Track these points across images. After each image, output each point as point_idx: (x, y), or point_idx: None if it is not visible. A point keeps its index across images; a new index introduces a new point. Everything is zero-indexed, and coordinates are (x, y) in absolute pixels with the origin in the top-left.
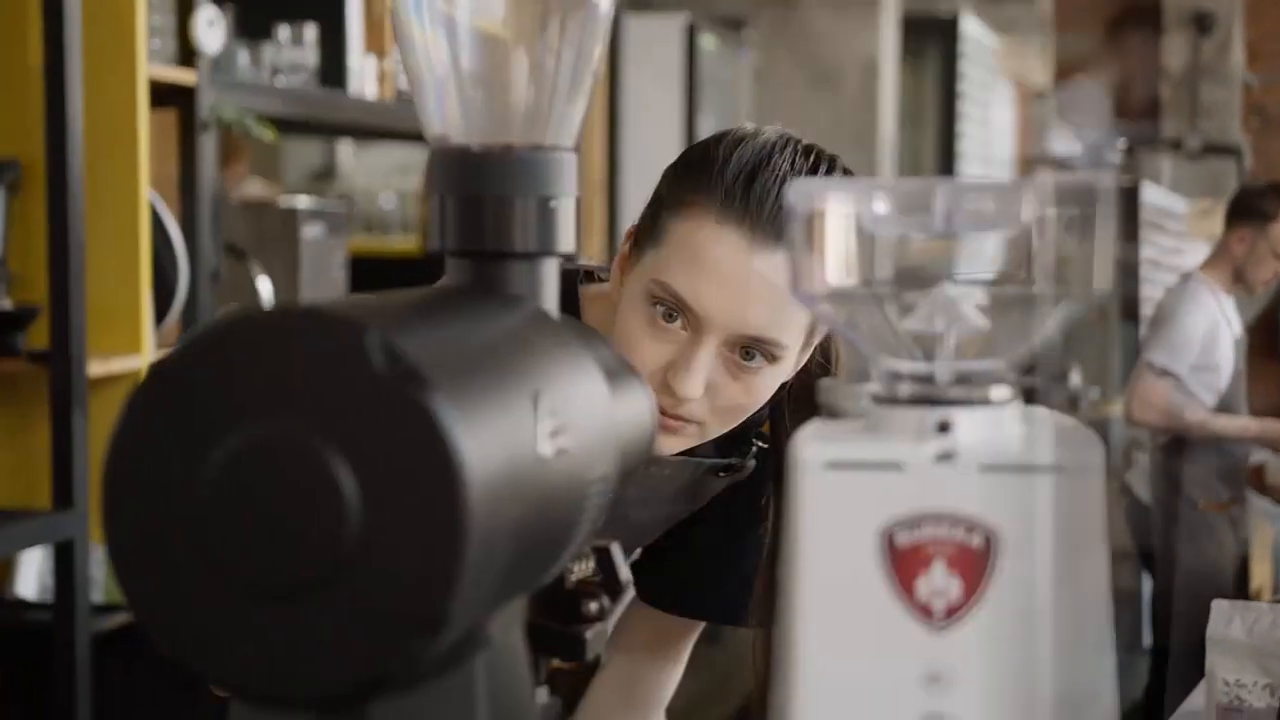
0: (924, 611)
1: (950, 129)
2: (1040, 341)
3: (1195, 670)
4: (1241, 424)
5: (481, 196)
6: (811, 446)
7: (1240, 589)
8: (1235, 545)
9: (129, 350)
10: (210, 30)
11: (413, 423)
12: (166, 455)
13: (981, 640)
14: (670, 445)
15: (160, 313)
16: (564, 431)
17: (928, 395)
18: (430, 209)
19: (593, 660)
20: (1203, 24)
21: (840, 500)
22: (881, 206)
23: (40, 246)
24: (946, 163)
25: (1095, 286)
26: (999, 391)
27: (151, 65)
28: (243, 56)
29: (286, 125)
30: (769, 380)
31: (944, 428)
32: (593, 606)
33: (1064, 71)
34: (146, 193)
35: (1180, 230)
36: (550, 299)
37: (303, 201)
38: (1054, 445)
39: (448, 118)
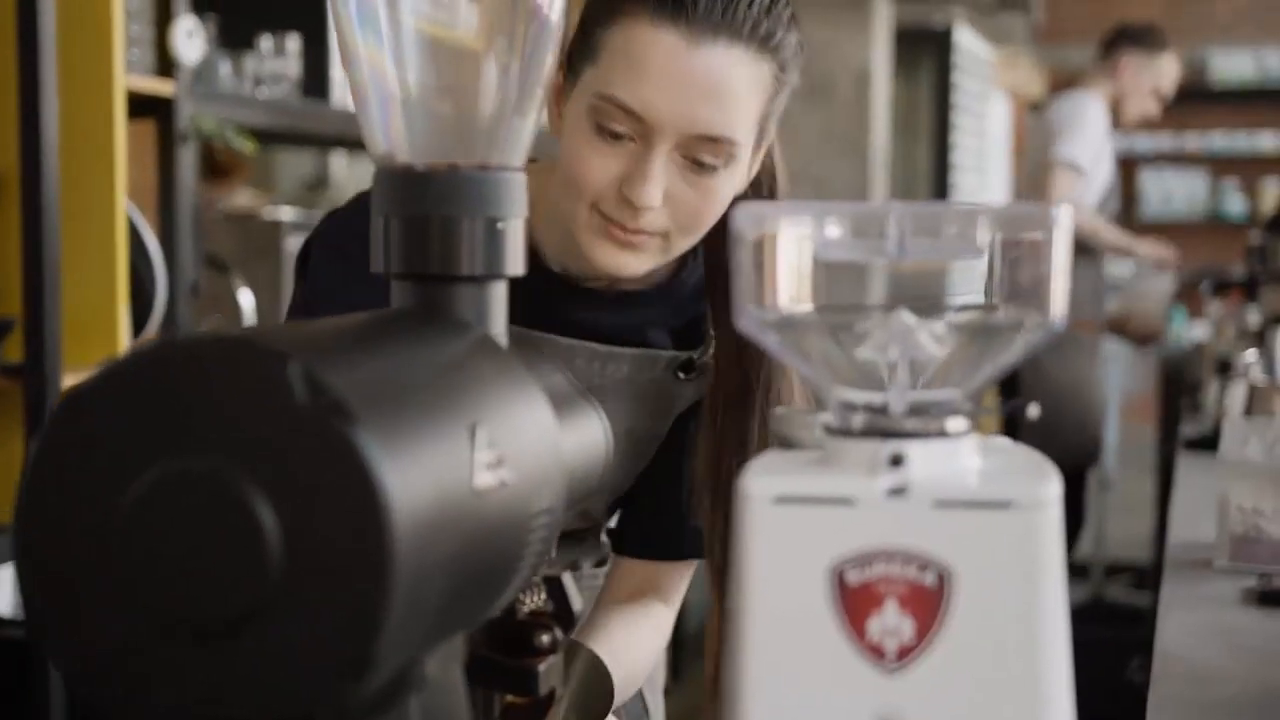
0: (875, 652)
1: (944, 140)
2: (998, 371)
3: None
4: (1127, 239)
5: (427, 217)
6: (760, 480)
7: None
8: (1098, 370)
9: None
10: (189, 41)
11: (335, 457)
12: (82, 487)
13: (935, 682)
14: (634, 263)
15: (138, 326)
16: (504, 463)
17: (881, 427)
18: (374, 230)
19: (547, 694)
20: None
21: (789, 536)
22: (834, 231)
23: (15, 258)
24: (940, 174)
25: (1052, 314)
26: (955, 423)
27: (130, 76)
28: (224, 67)
29: (269, 136)
30: (725, 183)
31: (897, 461)
32: (545, 639)
33: (1058, 83)
34: (124, 204)
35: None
36: (498, 323)
37: (287, 213)
38: (1010, 479)
39: (392, 136)
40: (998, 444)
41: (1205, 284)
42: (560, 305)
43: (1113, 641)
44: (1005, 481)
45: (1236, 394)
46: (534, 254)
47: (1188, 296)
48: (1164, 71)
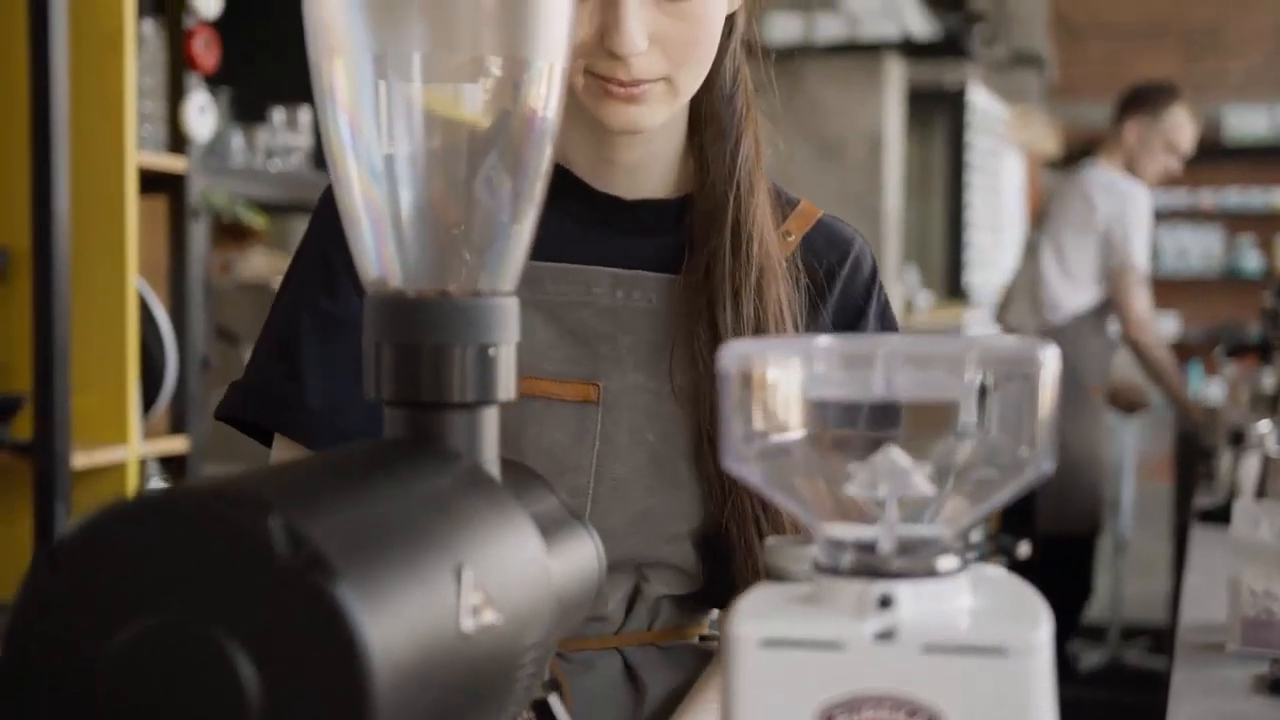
0: None
1: (958, 199)
2: (990, 509)
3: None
4: (1181, 387)
5: (418, 345)
6: (747, 623)
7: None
8: (1108, 435)
9: (115, 441)
10: (201, 117)
11: (316, 613)
12: (62, 642)
13: None
14: (645, 116)
15: (148, 402)
16: (492, 603)
17: (870, 566)
18: (366, 355)
19: None
20: None
21: (776, 680)
22: (821, 368)
23: (26, 335)
24: (954, 233)
25: (1042, 453)
26: (946, 561)
27: (142, 152)
28: (237, 140)
29: (281, 207)
30: (710, 2)
31: (885, 603)
32: None
33: (1072, 141)
34: (134, 281)
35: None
36: (489, 450)
37: None
38: (1002, 622)
39: (385, 262)
40: (990, 576)
41: (1219, 349)
42: (585, 225)
43: (1130, 707)
44: (996, 625)
45: (1250, 466)
46: (562, 171)
47: (1203, 354)
48: (1171, 127)
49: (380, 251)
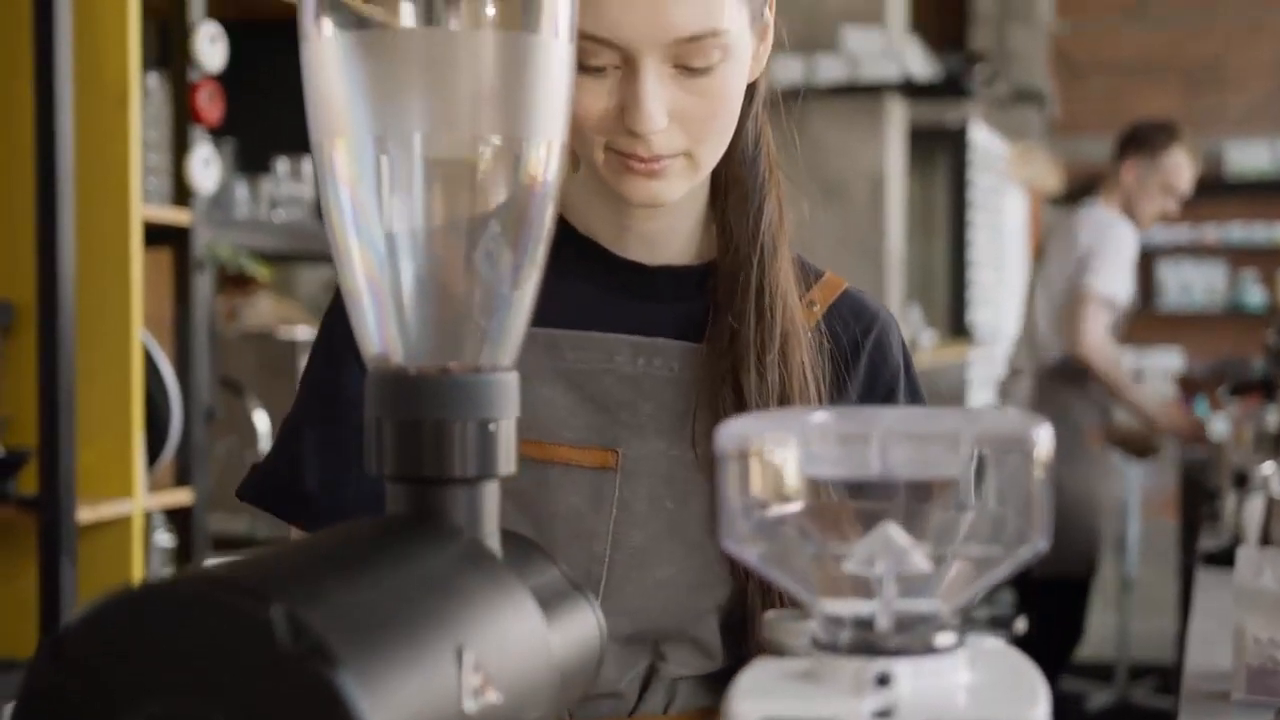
0: None
1: (961, 237)
2: (987, 585)
3: (1056, 595)
4: (1155, 404)
5: (419, 421)
6: (746, 701)
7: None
8: (1106, 483)
9: (120, 494)
10: (206, 169)
11: (318, 701)
12: None
13: None
14: (666, 190)
15: (153, 455)
16: (493, 682)
17: (867, 644)
18: (367, 430)
19: None
20: None
21: None
22: (816, 445)
23: (31, 390)
24: (957, 272)
25: (1037, 531)
26: (943, 638)
27: (147, 205)
28: (241, 190)
29: (286, 257)
30: (729, 79)
31: (884, 681)
32: None
33: (1074, 177)
34: (139, 335)
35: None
36: (490, 524)
37: (302, 332)
38: (999, 700)
39: (386, 339)
40: (988, 650)
41: (1224, 388)
42: (606, 291)
43: None
44: (994, 703)
45: (1254, 509)
46: (586, 241)
47: (1208, 389)
48: (1169, 168)
49: (382, 328)
